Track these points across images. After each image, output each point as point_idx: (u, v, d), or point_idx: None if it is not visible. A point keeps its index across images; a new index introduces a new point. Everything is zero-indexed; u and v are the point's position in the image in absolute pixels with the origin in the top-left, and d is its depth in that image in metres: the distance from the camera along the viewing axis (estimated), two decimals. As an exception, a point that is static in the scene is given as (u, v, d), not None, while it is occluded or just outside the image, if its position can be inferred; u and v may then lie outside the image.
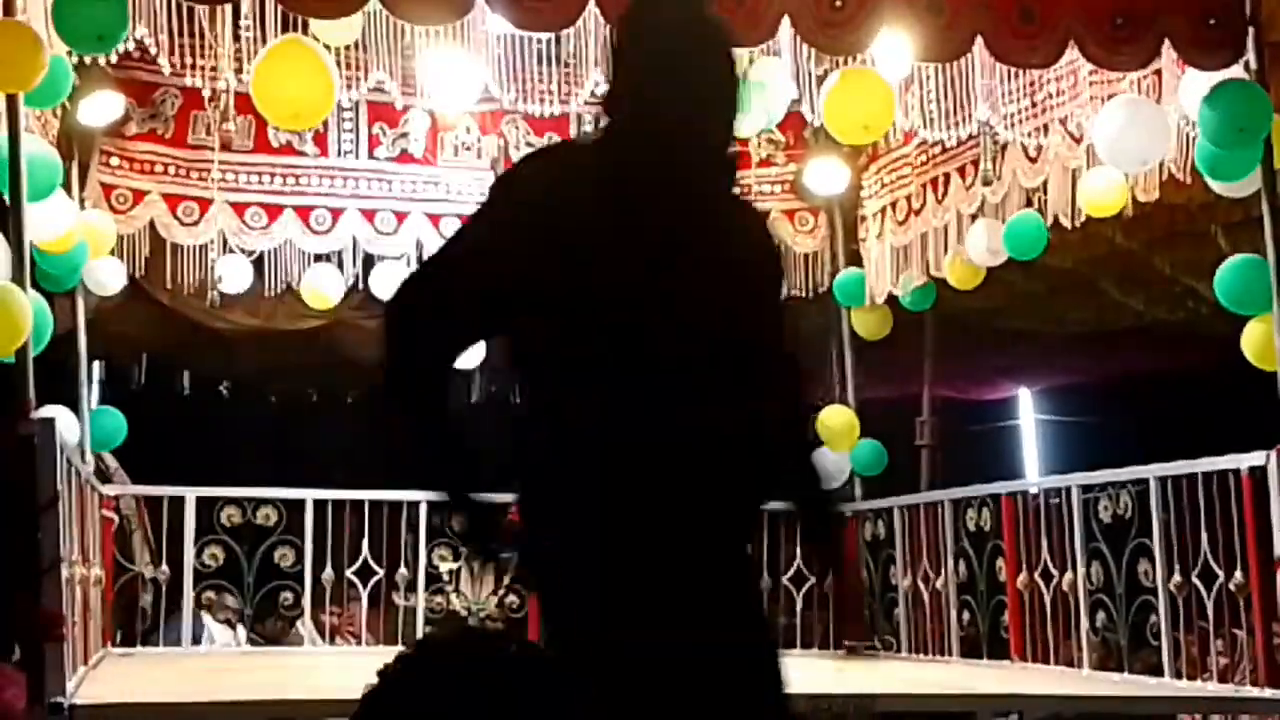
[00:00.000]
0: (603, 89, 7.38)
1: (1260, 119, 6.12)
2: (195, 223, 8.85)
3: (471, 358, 9.72)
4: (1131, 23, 6.28)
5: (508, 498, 3.24)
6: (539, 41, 7.55)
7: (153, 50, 6.86)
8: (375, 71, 7.61)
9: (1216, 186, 6.65)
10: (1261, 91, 6.17)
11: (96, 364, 10.51)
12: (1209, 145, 6.29)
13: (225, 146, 8.79)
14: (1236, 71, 6.28)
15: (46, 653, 5.12)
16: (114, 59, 7.20)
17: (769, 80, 7.41)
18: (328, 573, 8.57)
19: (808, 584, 9.15)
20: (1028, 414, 14.60)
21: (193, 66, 7.43)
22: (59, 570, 5.27)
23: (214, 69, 7.51)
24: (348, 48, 7.35)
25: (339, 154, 9.19)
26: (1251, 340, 6.46)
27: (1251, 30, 6.28)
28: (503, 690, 1.91)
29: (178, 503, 8.44)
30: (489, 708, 1.89)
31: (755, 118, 7.98)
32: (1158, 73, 6.70)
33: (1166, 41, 6.29)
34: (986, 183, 8.20)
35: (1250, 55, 6.26)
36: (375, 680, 1.98)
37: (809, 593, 9.18)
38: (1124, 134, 6.73)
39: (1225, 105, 6.13)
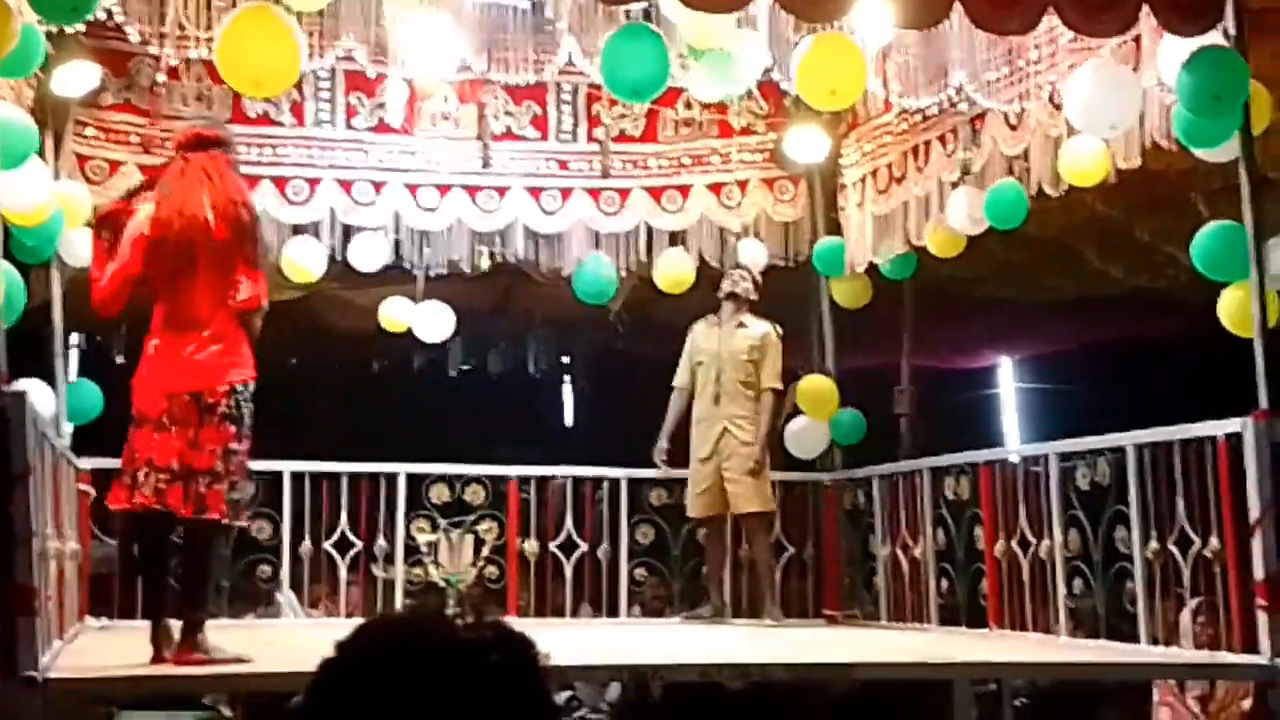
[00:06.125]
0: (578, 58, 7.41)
1: (1236, 86, 6.09)
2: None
3: (441, 333, 9.76)
4: (1110, -12, 6.25)
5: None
6: (513, 9, 7.51)
7: (122, 19, 6.79)
8: (344, 39, 7.55)
9: (1196, 153, 6.63)
10: (1238, 58, 6.14)
11: (76, 337, 10.47)
12: (1186, 112, 6.26)
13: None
14: (1215, 38, 6.24)
15: (19, 626, 5.09)
16: (89, 29, 7.16)
17: (736, 49, 7.36)
18: (306, 545, 8.57)
19: (787, 554, 9.17)
20: (1008, 382, 14.62)
21: (164, 36, 7.38)
22: (31, 544, 5.24)
23: (185, 38, 7.45)
24: (320, 14, 7.29)
25: (315, 124, 9.13)
26: (1229, 307, 6.45)
27: (1230, -3, 6.25)
28: (444, 674, 1.89)
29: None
30: (427, 692, 1.87)
31: (719, 87, 7.92)
32: (1137, 39, 6.67)
33: (1145, 7, 6.25)
34: (966, 171, 8.19)
35: (1229, 21, 6.23)
36: (332, 653, 1.96)
37: (789, 562, 9.20)
38: (1094, 99, 6.71)
39: (1201, 72, 6.10)
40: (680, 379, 9.10)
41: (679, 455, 9.02)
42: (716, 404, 8.89)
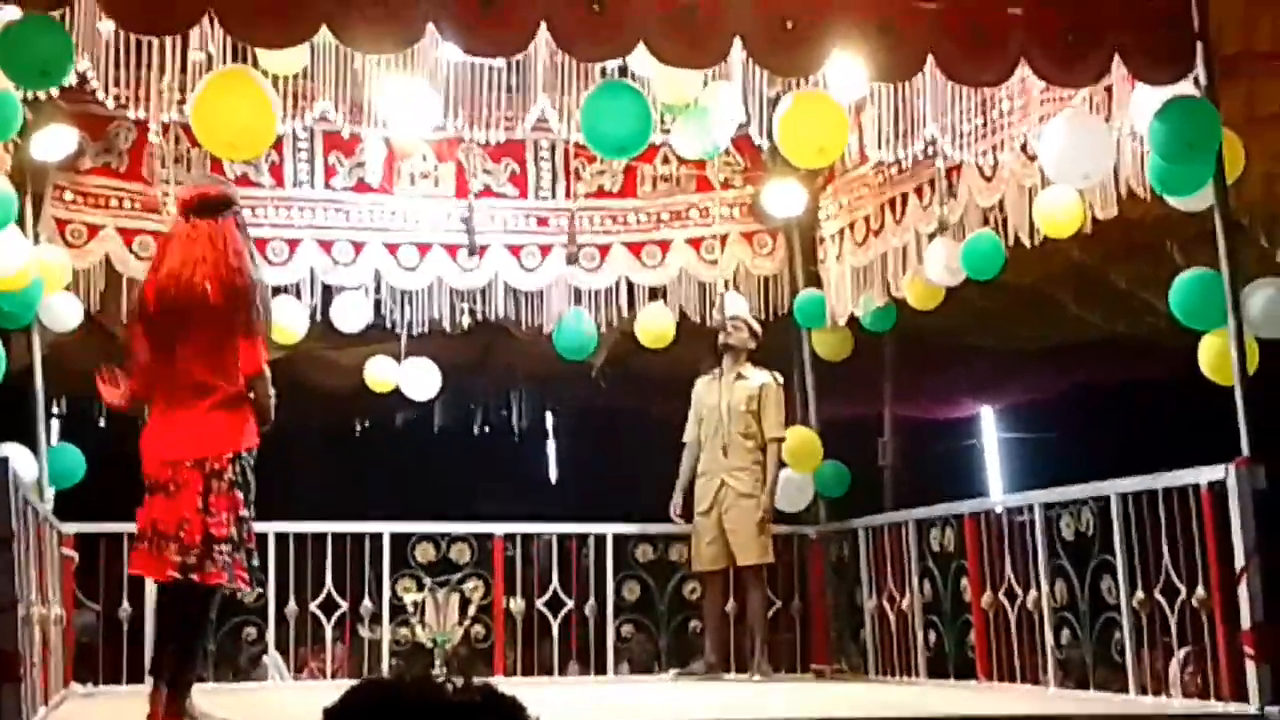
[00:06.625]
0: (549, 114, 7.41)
1: (1209, 134, 6.13)
2: (150, 256, 8.77)
3: (428, 391, 9.76)
4: (1082, 39, 6.30)
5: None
6: (489, 68, 7.54)
7: (96, 84, 6.79)
8: (321, 100, 7.56)
9: (1170, 201, 6.67)
10: (1210, 106, 6.18)
11: (56, 401, 10.43)
12: (1160, 160, 6.30)
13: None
14: (1187, 86, 6.29)
15: (3, 693, 5.06)
16: (67, 93, 7.17)
17: (712, 105, 7.40)
18: (291, 607, 8.52)
19: (774, 607, 9.14)
20: (990, 432, 14.63)
21: (142, 99, 7.39)
22: (15, 610, 5.21)
23: (162, 102, 7.45)
24: (297, 75, 7.31)
25: (295, 184, 9.15)
26: (1208, 354, 6.47)
27: (1201, 45, 6.29)
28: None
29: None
30: None
31: (698, 143, 7.96)
32: (1108, 89, 6.72)
33: (1117, 56, 6.30)
34: (944, 227, 8.23)
35: (1200, 70, 6.28)
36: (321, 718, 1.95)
37: (776, 616, 9.17)
38: (1067, 150, 6.75)
39: (1174, 120, 6.13)
40: (689, 434, 9.14)
41: (691, 510, 9.02)
42: (718, 457, 8.91)
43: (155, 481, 5.87)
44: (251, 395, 5.97)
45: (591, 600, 9.07)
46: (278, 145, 8.69)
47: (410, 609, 8.80)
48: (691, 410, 9.16)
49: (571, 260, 9.46)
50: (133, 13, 5.75)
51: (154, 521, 5.85)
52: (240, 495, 5.88)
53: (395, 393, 9.82)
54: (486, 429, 13.86)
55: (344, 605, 8.64)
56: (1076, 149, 6.73)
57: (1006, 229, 7.78)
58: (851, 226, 9.17)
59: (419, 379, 9.68)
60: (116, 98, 7.16)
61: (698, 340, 9.65)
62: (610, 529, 9.17)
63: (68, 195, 8.66)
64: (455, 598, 8.82)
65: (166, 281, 5.96)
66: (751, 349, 9.11)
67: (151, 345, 6.01)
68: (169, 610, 6.15)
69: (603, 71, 7.08)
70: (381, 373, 9.68)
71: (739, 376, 9.00)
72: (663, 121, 7.81)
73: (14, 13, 5.86)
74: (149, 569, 6.01)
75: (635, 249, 9.66)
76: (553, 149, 9.52)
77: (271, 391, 6.03)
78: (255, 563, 6.12)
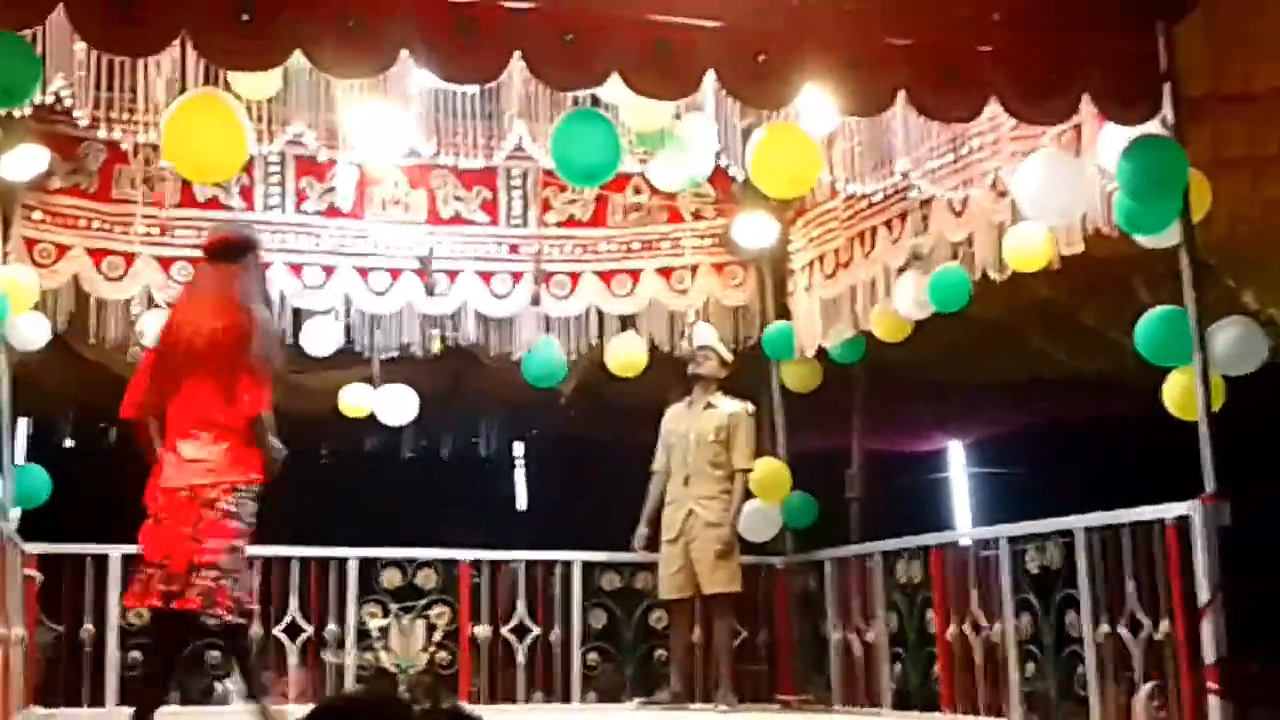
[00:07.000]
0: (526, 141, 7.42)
1: (1176, 173, 6.19)
2: (119, 278, 8.77)
3: (403, 417, 9.74)
4: (1052, 77, 6.35)
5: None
6: (462, 96, 7.55)
7: (70, 102, 6.78)
8: (294, 124, 7.56)
9: (1138, 239, 6.71)
10: (1176, 145, 6.24)
11: (22, 420, 10.37)
12: (1127, 198, 6.35)
13: (155, 202, 8.77)
14: (1155, 126, 6.35)
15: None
16: (38, 112, 7.16)
17: (692, 137, 7.42)
18: (255, 631, 8.47)
19: (740, 638, 9.13)
20: (958, 466, 14.66)
21: (114, 120, 7.37)
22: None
23: (134, 123, 7.43)
24: (270, 99, 7.29)
25: (265, 208, 9.14)
26: (1172, 392, 6.51)
27: (1169, 86, 6.35)
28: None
29: (101, 560, 8.33)
30: None
31: (678, 175, 7.98)
32: (1077, 127, 6.77)
33: (1086, 95, 6.35)
34: (917, 257, 8.25)
35: (1168, 110, 6.34)
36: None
37: (742, 646, 9.17)
38: (1044, 188, 6.79)
39: (1141, 159, 6.18)
40: (658, 463, 9.16)
41: (658, 540, 9.02)
42: (685, 485, 8.93)
43: (148, 510, 5.99)
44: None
45: (557, 628, 9.06)
46: (249, 168, 8.69)
47: (376, 634, 8.78)
48: (660, 439, 9.18)
49: (535, 301, 9.49)
50: (105, 33, 5.73)
51: (144, 549, 5.97)
52: (234, 526, 5.98)
53: (364, 418, 9.79)
54: (455, 455, 13.84)
55: (309, 630, 8.62)
56: (1054, 185, 6.77)
57: (974, 264, 7.80)
58: (821, 259, 9.20)
59: (394, 404, 9.65)
60: (94, 118, 7.11)
61: (668, 369, 9.66)
62: (578, 556, 9.17)
63: (36, 215, 8.64)
64: (421, 624, 8.81)
65: (177, 325, 6.27)
66: (722, 378, 9.14)
67: (159, 378, 6.14)
68: (156, 636, 6.24)
69: (574, 100, 7.10)
70: (356, 398, 9.65)
71: (709, 405, 9.04)
72: (634, 151, 7.82)
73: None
74: (132, 597, 6.13)
75: (606, 278, 9.68)
76: (525, 177, 9.55)
77: (274, 442, 6.16)
78: (243, 592, 6.15)
